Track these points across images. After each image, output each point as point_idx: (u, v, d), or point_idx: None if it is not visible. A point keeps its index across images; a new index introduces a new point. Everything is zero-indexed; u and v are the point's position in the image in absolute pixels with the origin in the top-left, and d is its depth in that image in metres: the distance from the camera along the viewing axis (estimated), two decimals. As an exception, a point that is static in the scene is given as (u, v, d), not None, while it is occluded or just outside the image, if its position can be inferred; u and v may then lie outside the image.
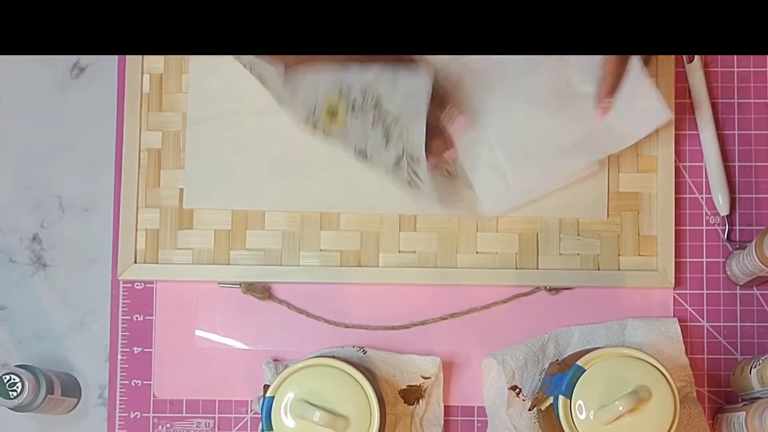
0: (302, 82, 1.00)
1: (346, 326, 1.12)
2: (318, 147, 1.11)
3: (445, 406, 1.10)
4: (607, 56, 1.02)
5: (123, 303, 1.12)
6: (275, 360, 1.10)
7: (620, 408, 0.96)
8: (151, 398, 1.11)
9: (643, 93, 1.05)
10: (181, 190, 1.12)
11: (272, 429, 0.99)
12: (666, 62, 1.12)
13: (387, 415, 1.03)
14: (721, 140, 1.13)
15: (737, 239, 1.12)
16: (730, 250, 1.12)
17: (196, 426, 1.11)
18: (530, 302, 1.12)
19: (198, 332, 1.12)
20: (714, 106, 1.13)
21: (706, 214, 1.13)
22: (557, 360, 1.06)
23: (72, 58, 1.15)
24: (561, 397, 0.98)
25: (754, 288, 1.12)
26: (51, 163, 1.14)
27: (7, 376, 1.02)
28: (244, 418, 1.11)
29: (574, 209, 1.11)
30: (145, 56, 1.13)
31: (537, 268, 1.11)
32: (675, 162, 1.12)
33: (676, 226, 1.11)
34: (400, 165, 1.02)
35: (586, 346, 1.09)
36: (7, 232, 1.14)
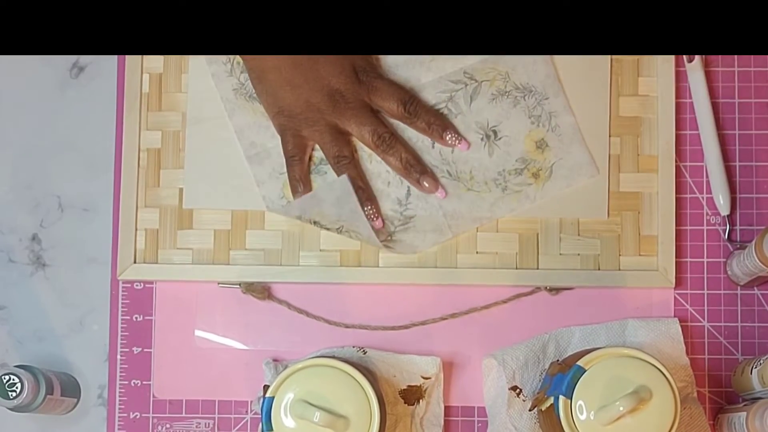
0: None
1: (346, 326, 1.12)
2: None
3: (445, 407, 1.10)
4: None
5: (122, 303, 1.12)
6: (275, 360, 1.10)
7: (621, 408, 0.96)
8: (151, 398, 1.11)
9: (576, 150, 1.10)
10: (181, 190, 1.12)
11: (272, 429, 0.98)
12: (666, 62, 1.12)
13: (387, 415, 1.03)
14: (722, 140, 1.13)
15: (738, 239, 1.12)
16: (731, 249, 1.12)
17: (196, 426, 1.11)
18: (530, 302, 1.11)
19: (198, 332, 1.12)
20: (714, 106, 1.13)
21: (707, 213, 1.13)
22: (558, 360, 1.06)
23: (71, 58, 1.15)
24: (561, 398, 0.98)
25: (755, 288, 1.12)
26: (51, 162, 1.14)
27: (7, 377, 1.02)
28: (244, 418, 1.11)
29: (575, 209, 1.11)
30: (144, 56, 1.13)
31: (537, 268, 1.11)
32: (675, 162, 1.12)
33: (676, 225, 1.11)
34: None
35: (586, 346, 1.09)
36: (6, 231, 1.14)
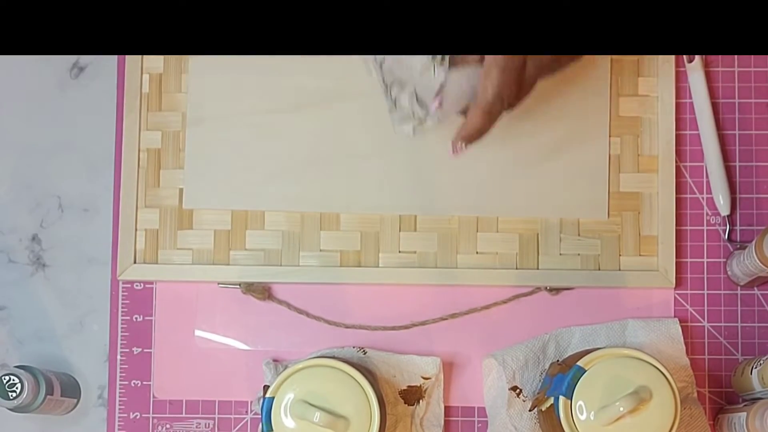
0: None
1: (346, 326, 1.12)
2: (318, 147, 1.11)
3: (445, 407, 1.10)
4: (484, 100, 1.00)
5: (122, 303, 1.12)
6: (275, 360, 1.10)
7: (621, 409, 0.96)
8: (151, 399, 1.11)
9: None
10: (181, 190, 1.12)
11: (272, 430, 0.98)
12: (666, 62, 1.12)
13: (387, 415, 1.03)
14: (722, 140, 1.13)
15: (738, 239, 1.12)
16: (731, 250, 1.12)
17: (196, 426, 1.11)
18: (531, 302, 1.12)
19: (198, 332, 1.12)
20: (714, 106, 1.13)
21: (707, 214, 1.13)
22: (558, 360, 1.06)
23: (71, 58, 1.15)
24: (562, 398, 0.98)
25: (755, 288, 1.12)
26: (50, 162, 1.14)
27: (7, 377, 1.02)
28: (244, 418, 1.11)
29: (575, 209, 1.11)
30: (144, 56, 1.13)
31: (537, 269, 1.11)
32: (676, 162, 1.12)
33: (676, 226, 1.11)
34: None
35: (586, 346, 1.09)
36: (6, 231, 1.14)
